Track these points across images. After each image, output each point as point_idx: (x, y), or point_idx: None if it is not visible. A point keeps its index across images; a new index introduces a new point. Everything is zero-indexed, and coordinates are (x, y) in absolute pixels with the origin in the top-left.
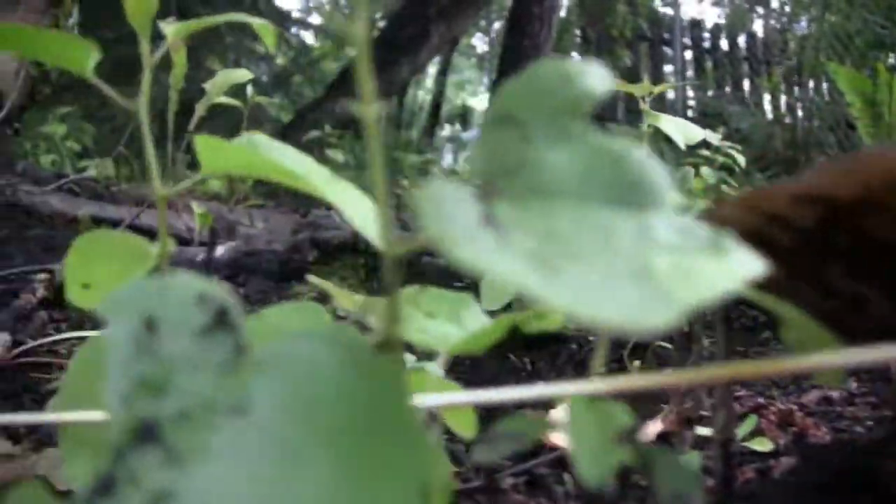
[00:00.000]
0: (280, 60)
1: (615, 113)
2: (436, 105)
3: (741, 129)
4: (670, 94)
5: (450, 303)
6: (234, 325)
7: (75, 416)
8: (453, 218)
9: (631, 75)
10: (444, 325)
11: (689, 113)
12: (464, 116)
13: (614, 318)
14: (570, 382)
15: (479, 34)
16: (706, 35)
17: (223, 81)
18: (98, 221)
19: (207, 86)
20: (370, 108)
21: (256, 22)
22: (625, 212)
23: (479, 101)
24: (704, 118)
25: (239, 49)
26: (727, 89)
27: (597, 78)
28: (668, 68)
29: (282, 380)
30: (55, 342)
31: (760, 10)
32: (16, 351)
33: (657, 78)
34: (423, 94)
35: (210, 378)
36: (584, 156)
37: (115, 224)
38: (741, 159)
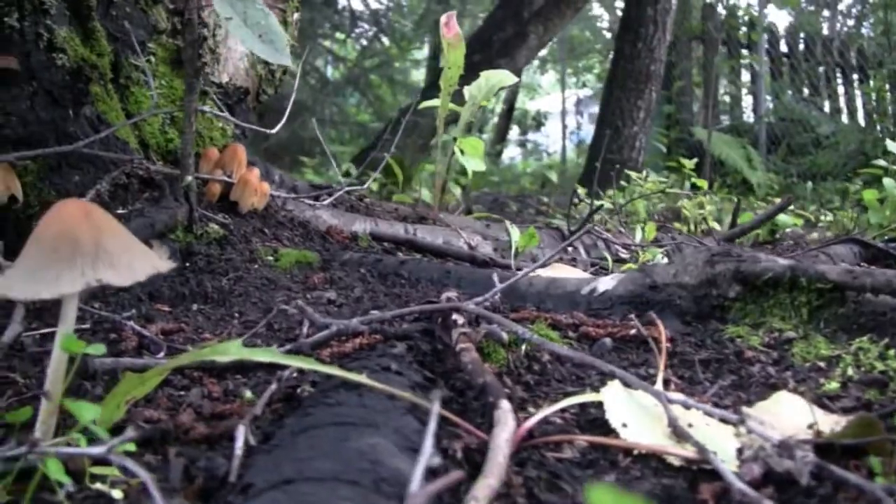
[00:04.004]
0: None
1: (692, 115)
2: (509, 108)
3: (827, 134)
4: (748, 100)
5: None
6: None
7: None
8: None
9: (706, 76)
10: None
11: (772, 118)
12: (536, 119)
13: None
14: None
15: None
16: (780, 38)
17: (486, 85)
18: (376, 238)
19: (472, 90)
20: None
21: None
22: None
23: (550, 103)
24: (784, 123)
25: (316, 50)
26: (805, 92)
27: None
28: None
29: None
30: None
31: (827, 13)
32: (526, 426)
33: (733, 80)
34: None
35: None
36: None
37: (396, 242)
38: None
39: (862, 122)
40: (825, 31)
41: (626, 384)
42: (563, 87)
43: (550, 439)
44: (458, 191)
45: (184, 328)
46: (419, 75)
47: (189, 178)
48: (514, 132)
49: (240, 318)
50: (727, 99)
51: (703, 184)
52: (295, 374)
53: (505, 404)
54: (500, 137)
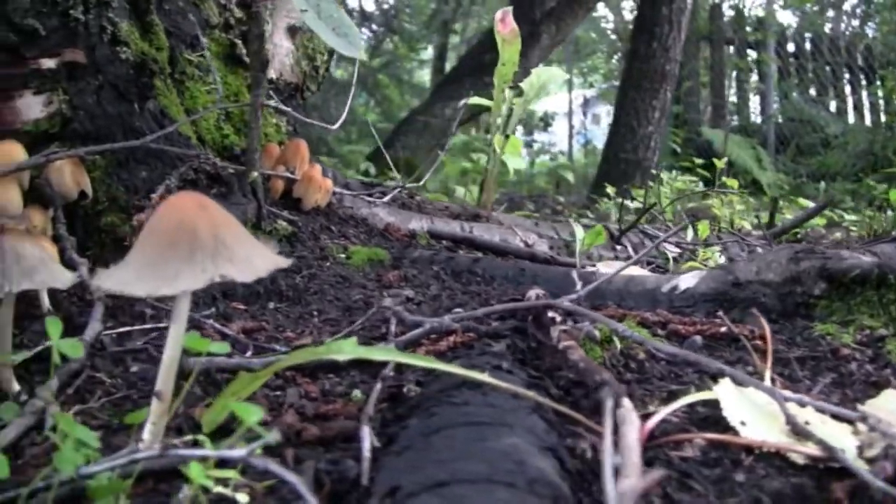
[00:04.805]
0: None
1: (699, 115)
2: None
3: (836, 134)
4: (755, 100)
5: None
6: None
7: None
8: None
9: (714, 76)
10: None
11: (780, 118)
12: (543, 119)
13: None
14: None
15: None
16: (788, 38)
17: (538, 82)
18: (434, 236)
19: (524, 85)
20: None
21: None
22: None
23: (556, 104)
24: (792, 123)
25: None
26: (812, 92)
27: None
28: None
29: None
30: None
31: (831, 13)
32: (649, 424)
33: (740, 79)
34: None
35: None
36: None
37: (455, 241)
38: None
39: (869, 121)
40: (830, 31)
41: (737, 382)
42: (570, 87)
43: (673, 438)
44: (475, 190)
45: (265, 326)
46: (423, 76)
47: (255, 173)
48: (518, 132)
49: (319, 316)
50: (734, 99)
51: (734, 183)
52: (392, 373)
53: (627, 403)
54: (506, 138)
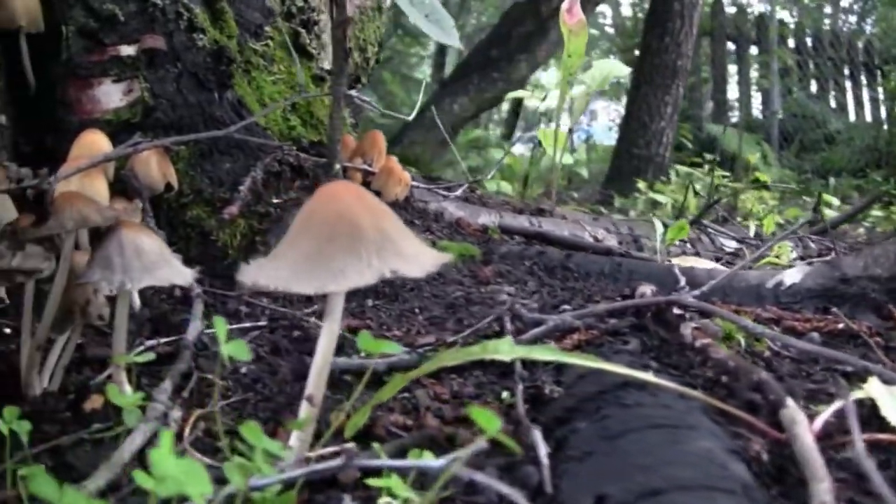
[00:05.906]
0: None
1: (701, 110)
2: (517, 104)
3: (839, 130)
4: (756, 98)
5: None
6: None
7: None
8: None
9: (715, 72)
10: None
11: (782, 115)
12: (546, 115)
13: None
14: None
15: None
16: (788, 35)
17: (600, 75)
18: (504, 230)
19: (586, 77)
20: None
21: None
22: None
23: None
24: (795, 119)
25: None
26: (812, 89)
27: None
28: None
29: None
30: None
31: (829, 9)
32: (816, 425)
33: (743, 75)
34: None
35: None
36: None
37: (527, 236)
38: None
39: (869, 117)
40: (827, 27)
41: (885, 381)
42: (571, 83)
43: (840, 440)
44: (502, 184)
45: (369, 325)
46: (423, 71)
47: (337, 165)
48: (520, 127)
49: (421, 313)
50: (736, 94)
51: (765, 177)
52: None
53: (791, 402)
54: (509, 134)
